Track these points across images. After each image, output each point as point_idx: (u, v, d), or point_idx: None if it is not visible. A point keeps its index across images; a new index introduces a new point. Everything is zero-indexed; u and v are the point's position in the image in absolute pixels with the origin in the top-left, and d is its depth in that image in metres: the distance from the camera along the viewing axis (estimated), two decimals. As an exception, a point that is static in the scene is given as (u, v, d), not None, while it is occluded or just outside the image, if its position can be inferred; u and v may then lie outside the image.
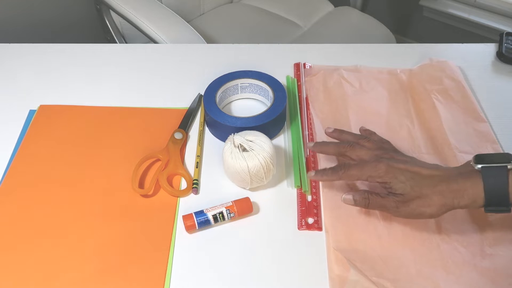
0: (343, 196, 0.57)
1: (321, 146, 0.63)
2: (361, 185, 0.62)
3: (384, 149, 0.59)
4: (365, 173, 0.55)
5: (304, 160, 0.66)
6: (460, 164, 0.64)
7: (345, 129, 0.65)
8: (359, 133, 0.66)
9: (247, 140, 0.61)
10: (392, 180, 0.53)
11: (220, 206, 0.59)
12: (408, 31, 1.93)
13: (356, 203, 0.56)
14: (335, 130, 0.65)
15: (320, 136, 0.68)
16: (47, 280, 0.54)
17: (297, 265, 0.55)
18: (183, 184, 0.64)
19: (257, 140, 0.61)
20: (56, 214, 0.60)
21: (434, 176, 0.53)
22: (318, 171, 0.60)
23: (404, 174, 0.53)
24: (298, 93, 0.76)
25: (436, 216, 0.52)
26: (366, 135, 0.64)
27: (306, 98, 0.75)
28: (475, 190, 0.50)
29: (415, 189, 0.52)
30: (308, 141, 0.69)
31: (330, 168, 0.58)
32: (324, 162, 0.65)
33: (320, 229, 0.59)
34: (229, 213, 0.58)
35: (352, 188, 0.62)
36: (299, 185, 0.63)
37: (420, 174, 0.53)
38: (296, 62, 0.83)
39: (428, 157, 0.65)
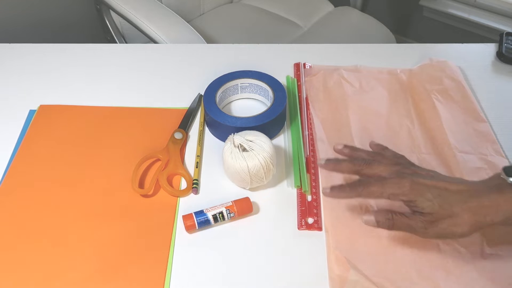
0: (364, 217, 0.53)
1: (334, 165, 0.57)
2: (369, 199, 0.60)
3: (401, 164, 0.55)
4: (387, 190, 0.50)
5: (304, 160, 0.66)
6: (459, 164, 0.63)
7: (344, 129, 0.65)
8: (361, 134, 0.65)
9: (247, 140, 0.61)
10: (418, 198, 0.49)
11: (220, 206, 0.59)
12: (408, 31, 1.93)
13: (379, 224, 0.51)
14: (346, 146, 0.60)
15: (320, 136, 0.68)
16: (47, 280, 0.54)
17: (297, 265, 0.55)
18: (183, 184, 0.64)
19: (257, 140, 0.61)
20: (56, 214, 0.60)
21: (463, 192, 0.48)
22: (334, 188, 0.54)
23: (430, 191, 0.49)
24: (298, 93, 0.76)
25: (468, 235, 0.48)
26: (379, 150, 0.60)
27: (306, 98, 0.75)
28: (510, 205, 0.46)
29: (444, 207, 0.48)
30: (308, 141, 0.69)
31: (348, 185, 0.54)
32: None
33: (320, 229, 0.59)
34: (229, 213, 0.58)
35: (360, 203, 0.59)
36: (299, 185, 0.63)
37: (448, 190, 0.49)
38: (296, 62, 0.83)
39: (428, 157, 0.65)
